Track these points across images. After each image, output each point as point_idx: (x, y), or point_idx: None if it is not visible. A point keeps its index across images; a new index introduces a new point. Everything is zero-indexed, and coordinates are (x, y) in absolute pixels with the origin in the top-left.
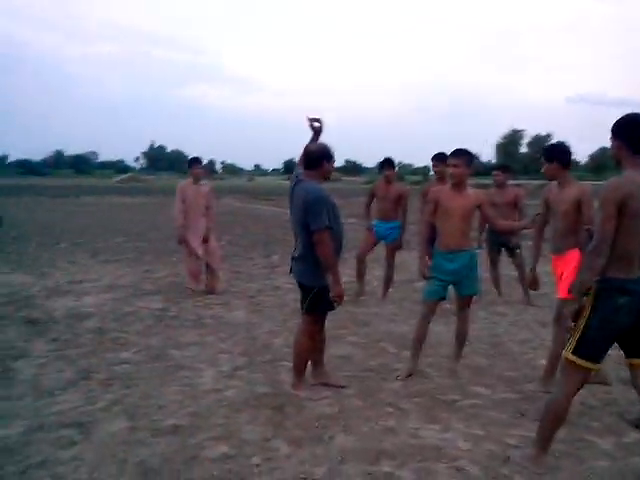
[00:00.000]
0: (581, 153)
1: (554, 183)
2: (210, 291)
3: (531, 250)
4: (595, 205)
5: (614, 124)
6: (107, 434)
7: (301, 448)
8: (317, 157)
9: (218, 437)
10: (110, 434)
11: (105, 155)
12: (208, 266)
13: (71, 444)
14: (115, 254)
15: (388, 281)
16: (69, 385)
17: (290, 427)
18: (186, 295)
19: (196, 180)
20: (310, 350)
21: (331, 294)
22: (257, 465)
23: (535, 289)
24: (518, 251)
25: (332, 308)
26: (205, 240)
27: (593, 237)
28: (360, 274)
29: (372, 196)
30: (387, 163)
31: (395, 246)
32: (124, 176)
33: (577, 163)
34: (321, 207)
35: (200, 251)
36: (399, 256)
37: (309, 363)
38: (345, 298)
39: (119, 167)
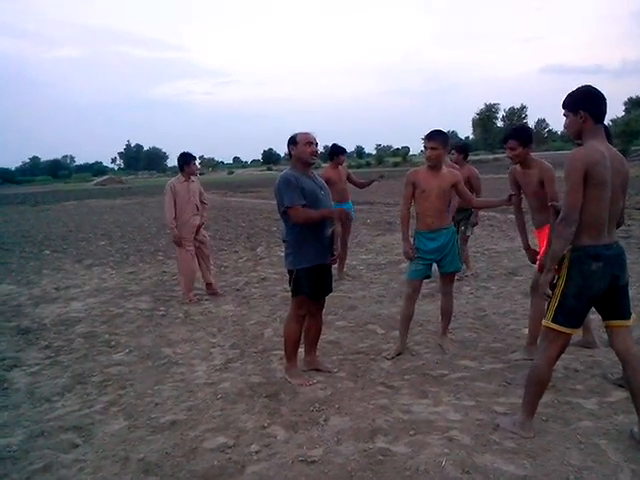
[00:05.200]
0: (557, 123)
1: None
2: (212, 292)
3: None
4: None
5: (572, 98)
6: (107, 435)
7: (298, 432)
8: (287, 145)
9: (216, 428)
10: (110, 434)
11: (81, 158)
12: (200, 260)
13: (72, 447)
14: (99, 258)
15: (344, 259)
16: (65, 390)
17: (286, 413)
18: (173, 293)
19: (188, 177)
20: (297, 333)
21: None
22: (256, 452)
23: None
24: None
25: (318, 294)
26: (197, 232)
27: (559, 210)
28: (340, 260)
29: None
30: (340, 150)
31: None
32: (102, 178)
33: (554, 133)
34: (285, 187)
35: (192, 247)
36: (382, 239)
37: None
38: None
39: (96, 169)
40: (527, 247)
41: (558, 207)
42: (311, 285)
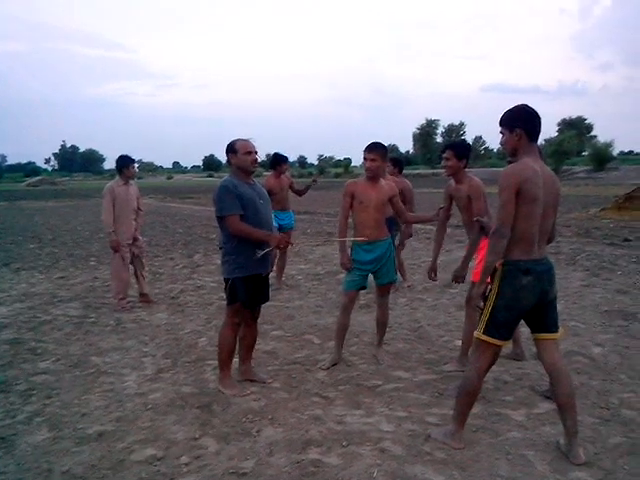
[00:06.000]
0: (494, 140)
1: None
2: (145, 299)
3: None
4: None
5: (509, 116)
6: (30, 446)
7: (229, 444)
8: (225, 153)
9: (145, 440)
10: (33, 446)
11: (13, 158)
12: (136, 269)
13: None
14: (28, 261)
15: (283, 268)
16: None
17: (217, 424)
18: (105, 300)
19: (127, 181)
20: (232, 342)
21: (272, 247)
22: (186, 464)
23: (433, 279)
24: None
25: (254, 302)
26: (135, 239)
27: (484, 225)
28: (279, 269)
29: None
30: (282, 159)
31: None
32: (35, 179)
33: (490, 150)
34: (223, 195)
35: (129, 254)
36: (322, 249)
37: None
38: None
39: (29, 170)
40: (433, 261)
41: (482, 222)
42: (247, 293)
